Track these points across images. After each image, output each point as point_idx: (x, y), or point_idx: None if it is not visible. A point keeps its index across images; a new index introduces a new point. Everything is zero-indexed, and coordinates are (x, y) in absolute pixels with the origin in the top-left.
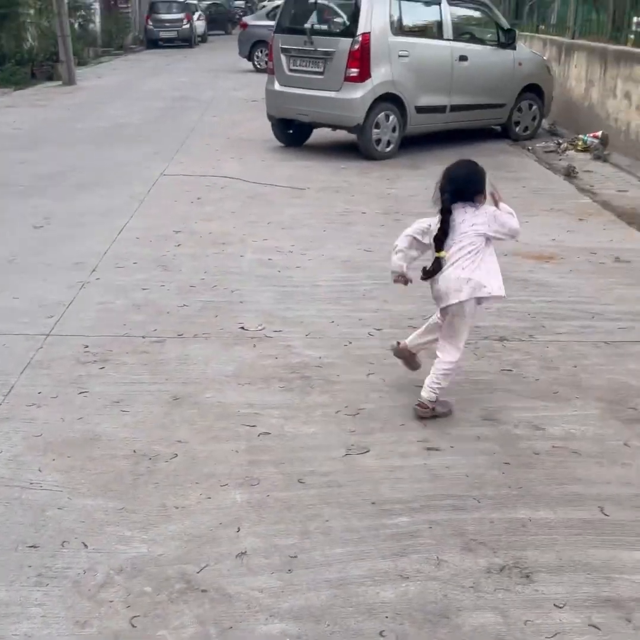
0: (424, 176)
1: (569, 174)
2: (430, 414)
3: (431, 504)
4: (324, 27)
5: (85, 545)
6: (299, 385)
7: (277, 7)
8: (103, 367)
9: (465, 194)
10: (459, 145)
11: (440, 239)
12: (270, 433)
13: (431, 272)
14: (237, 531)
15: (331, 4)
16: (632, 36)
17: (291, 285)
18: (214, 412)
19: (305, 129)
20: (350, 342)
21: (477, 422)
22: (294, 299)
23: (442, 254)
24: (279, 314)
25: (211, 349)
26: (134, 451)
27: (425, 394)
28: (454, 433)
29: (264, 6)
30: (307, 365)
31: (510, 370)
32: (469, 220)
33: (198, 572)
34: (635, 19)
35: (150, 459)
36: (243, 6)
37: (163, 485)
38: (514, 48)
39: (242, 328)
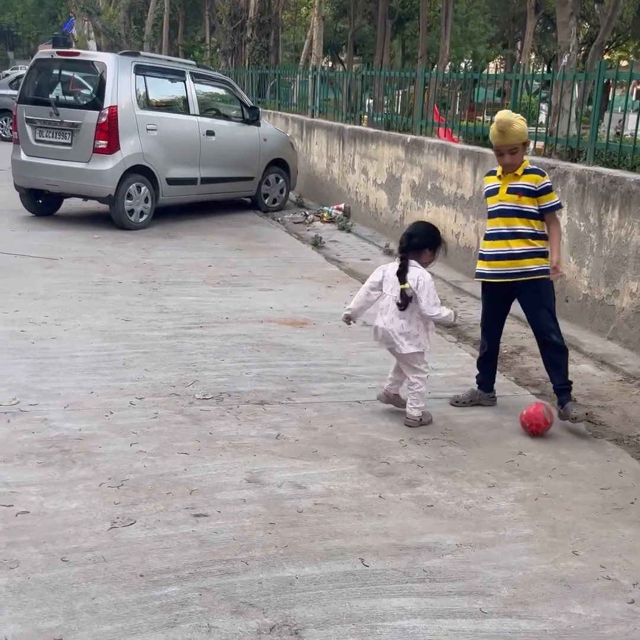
0: (179, 245)
1: (317, 244)
2: (418, 424)
3: (200, 570)
4: (70, 98)
5: None
6: (59, 460)
7: (21, 77)
8: None
9: (415, 247)
10: (211, 216)
11: (402, 273)
12: (29, 511)
13: (403, 303)
14: None
15: (76, 76)
16: (365, 116)
17: (47, 356)
18: None
19: (56, 199)
20: (112, 413)
21: (242, 486)
22: (50, 371)
23: (406, 285)
24: (35, 387)
25: None
26: None
27: (414, 413)
28: (220, 498)
29: (6, 75)
30: (66, 438)
31: (272, 432)
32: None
33: None
34: (368, 101)
35: None
36: None
37: None
38: (259, 124)
39: None
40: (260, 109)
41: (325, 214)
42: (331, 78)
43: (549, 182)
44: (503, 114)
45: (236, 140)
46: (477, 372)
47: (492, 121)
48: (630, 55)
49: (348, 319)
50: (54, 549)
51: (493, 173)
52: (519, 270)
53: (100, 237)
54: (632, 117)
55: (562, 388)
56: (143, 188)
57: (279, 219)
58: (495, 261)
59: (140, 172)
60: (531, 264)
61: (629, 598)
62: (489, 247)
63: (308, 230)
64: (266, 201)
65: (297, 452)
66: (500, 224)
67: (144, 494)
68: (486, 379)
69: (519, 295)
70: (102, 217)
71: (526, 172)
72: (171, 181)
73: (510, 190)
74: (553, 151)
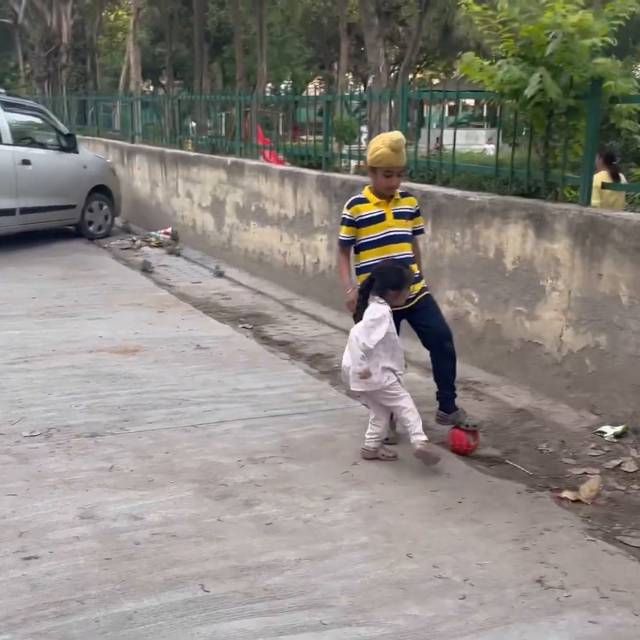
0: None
1: (146, 269)
2: (428, 456)
3: (33, 615)
4: None
5: None
6: None
7: None
8: None
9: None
10: (34, 246)
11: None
12: None
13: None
14: None
15: None
16: (189, 140)
17: None
18: None
19: None
20: None
21: (75, 523)
22: None
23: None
24: None
25: None
26: None
27: (416, 437)
28: (53, 537)
29: None
30: None
31: (105, 465)
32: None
33: None
34: (192, 124)
35: None
36: None
37: None
38: (77, 151)
39: None
40: (77, 136)
41: (153, 239)
42: (154, 103)
43: (417, 204)
44: (396, 134)
45: (55, 169)
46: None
47: (316, 141)
48: (441, 74)
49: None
50: None
51: (362, 200)
52: (418, 293)
53: None
54: (448, 133)
55: (454, 395)
56: None
57: (106, 245)
58: None
59: None
60: (422, 284)
61: (460, 594)
62: None
63: (136, 255)
64: (91, 228)
65: (132, 482)
66: (392, 251)
67: None
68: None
69: (413, 313)
70: None
71: (403, 195)
72: None
73: (397, 215)
74: None
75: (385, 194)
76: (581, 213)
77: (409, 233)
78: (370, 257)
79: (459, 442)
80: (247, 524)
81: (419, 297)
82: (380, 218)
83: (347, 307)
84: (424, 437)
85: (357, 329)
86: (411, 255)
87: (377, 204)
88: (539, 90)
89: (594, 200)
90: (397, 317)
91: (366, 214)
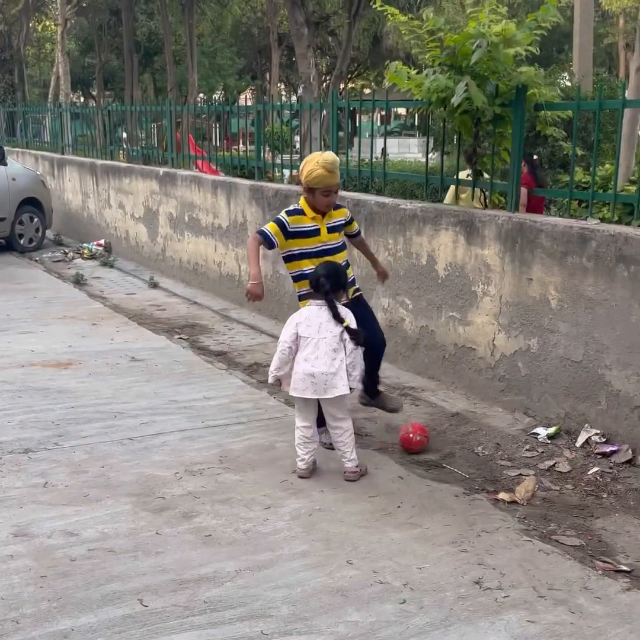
0: None
1: (79, 281)
2: (358, 476)
3: None
4: None
5: None
6: None
7: None
8: None
9: (335, 288)
10: None
11: (336, 314)
12: None
13: (356, 338)
14: None
15: None
16: (122, 151)
17: None
18: None
19: None
20: None
21: (9, 541)
22: None
23: (346, 322)
24: None
25: None
26: None
27: (351, 464)
28: None
29: None
30: None
31: (39, 481)
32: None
33: None
34: (124, 135)
35: None
36: None
37: None
38: (5, 163)
39: None
40: (6, 148)
41: (86, 251)
42: (84, 114)
43: (349, 212)
44: (330, 155)
45: None
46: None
47: (248, 150)
48: (372, 83)
49: (279, 382)
50: None
51: (298, 212)
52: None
53: None
54: (380, 141)
55: (378, 381)
56: None
57: (37, 258)
58: None
59: None
60: (354, 291)
61: (400, 599)
62: None
63: (69, 268)
64: (22, 241)
65: (67, 498)
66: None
67: None
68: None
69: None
70: None
71: (335, 208)
72: None
73: (331, 230)
74: None
75: (325, 210)
76: (510, 219)
77: (341, 244)
78: (309, 265)
79: (408, 444)
80: (186, 537)
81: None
82: (315, 233)
83: (249, 294)
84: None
85: (333, 333)
86: (345, 262)
87: (313, 218)
88: (465, 98)
89: (448, 199)
90: None
91: (302, 227)
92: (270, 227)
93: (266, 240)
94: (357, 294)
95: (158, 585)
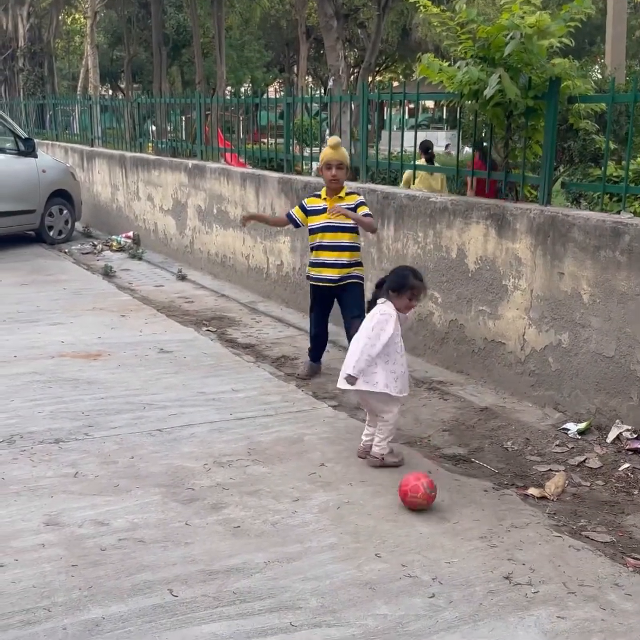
0: None
1: (108, 273)
2: (380, 463)
3: None
4: None
5: None
6: None
7: None
8: None
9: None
10: None
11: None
12: None
13: None
14: None
15: None
16: (150, 143)
17: None
18: None
19: None
20: None
21: (40, 530)
22: None
23: None
24: None
25: None
26: None
27: (377, 449)
28: (17, 545)
29: None
30: None
31: (70, 471)
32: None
33: None
34: (153, 128)
35: None
36: None
37: None
38: (36, 156)
39: None
40: (36, 141)
41: (114, 243)
42: (114, 107)
43: (362, 199)
44: (334, 137)
45: (12, 173)
46: (310, 347)
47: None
48: (400, 76)
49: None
50: None
51: (315, 195)
52: (346, 276)
53: None
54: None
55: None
56: None
57: (66, 250)
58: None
59: None
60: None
61: (429, 593)
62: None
63: (98, 260)
64: (51, 233)
65: (97, 488)
66: (326, 238)
67: None
68: (317, 352)
69: (341, 294)
70: None
71: (348, 194)
72: None
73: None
74: None
75: (332, 190)
76: (542, 212)
77: (347, 225)
78: (314, 240)
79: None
80: (214, 528)
81: (346, 282)
82: (322, 211)
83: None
84: (388, 450)
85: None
86: (345, 243)
87: (324, 199)
88: (498, 90)
89: (415, 185)
90: (331, 295)
91: (314, 207)
92: (294, 210)
93: (291, 220)
94: (352, 280)
95: (188, 575)
